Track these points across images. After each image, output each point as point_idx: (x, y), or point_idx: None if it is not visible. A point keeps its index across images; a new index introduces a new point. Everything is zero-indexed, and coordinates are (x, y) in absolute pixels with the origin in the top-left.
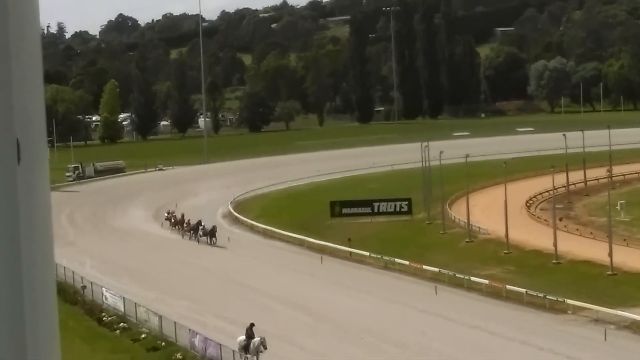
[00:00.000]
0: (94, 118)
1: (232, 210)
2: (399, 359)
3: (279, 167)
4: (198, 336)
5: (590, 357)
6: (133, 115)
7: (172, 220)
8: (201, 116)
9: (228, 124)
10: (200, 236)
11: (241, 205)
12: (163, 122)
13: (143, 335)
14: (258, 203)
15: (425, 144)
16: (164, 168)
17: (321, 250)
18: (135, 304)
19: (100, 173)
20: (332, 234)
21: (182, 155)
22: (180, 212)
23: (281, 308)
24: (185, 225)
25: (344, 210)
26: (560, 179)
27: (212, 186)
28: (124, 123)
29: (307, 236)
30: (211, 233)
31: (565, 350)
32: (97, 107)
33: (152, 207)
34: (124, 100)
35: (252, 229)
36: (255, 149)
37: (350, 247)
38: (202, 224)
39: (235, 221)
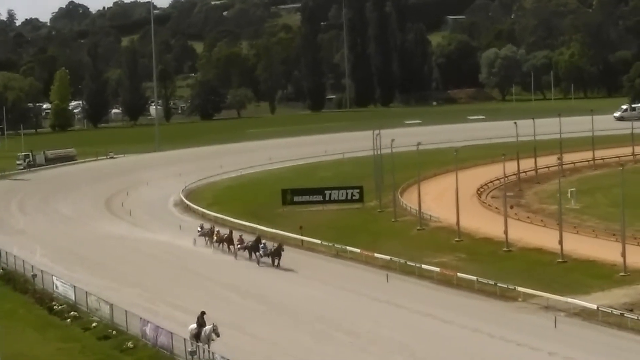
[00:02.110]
0: (44, 106)
1: (184, 199)
2: (350, 347)
3: (231, 155)
4: (149, 324)
5: (541, 344)
6: (84, 103)
7: (216, 237)
8: (152, 104)
9: (180, 111)
10: (261, 256)
11: (193, 194)
12: (114, 110)
13: (94, 324)
14: (210, 191)
15: (377, 131)
16: (115, 156)
17: (272, 238)
18: (86, 292)
19: (51, 161)
20: (283, 222)
21: (133, 143)
22: (219, 227)
23: (232, 296)
24: (237, 242)
25: (296, 198)
26: (511, 166)
27: (163, 174)
28: (75, 111)
29: (258, 224)
30: (276, 253)
31: (516, 338)
32: (47, 95)
33: (103, 195)
34: (74, 87)
35: (203, 217)
36: (206, 137)
37: (301, 235)
38: (263, 241)
39: (187, 209)
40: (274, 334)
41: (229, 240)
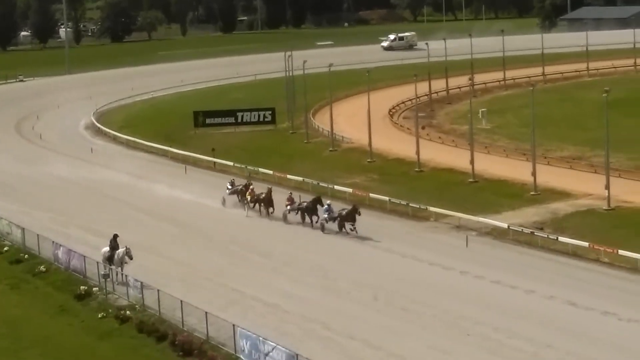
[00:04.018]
0: None
1: (95, 122)
2: (264, 268)
3: (142, 77)
4: (62, 248)
5: (453, 263)
6: None
7: (249, 197)
8: (62, 26)
9: (90, 34)
10: (327, 221)
11: (104, 117)
12: (23, 33)
13: (5, 248)
14: (121, 114)
15: (288, 53)
16: (24, 79)
17: (185, 160)
18: None
19: None
20: (195, 144)
21: (43, 66)
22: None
23: (146, 218)
24: (287, 202)
25: (208, 121)
26: (422, 87)
27: (74, 97)
28: None
29: (170, 146)
30: (349, 217)
31: (428, 257)
32: None
33: (13, 118)
34: None
35: (115, 140)
36: (117, 60)
37: (214, 157)
38: (327, 202)
39: (98, 132)
40: (188, 256)
41: (268, 200)
